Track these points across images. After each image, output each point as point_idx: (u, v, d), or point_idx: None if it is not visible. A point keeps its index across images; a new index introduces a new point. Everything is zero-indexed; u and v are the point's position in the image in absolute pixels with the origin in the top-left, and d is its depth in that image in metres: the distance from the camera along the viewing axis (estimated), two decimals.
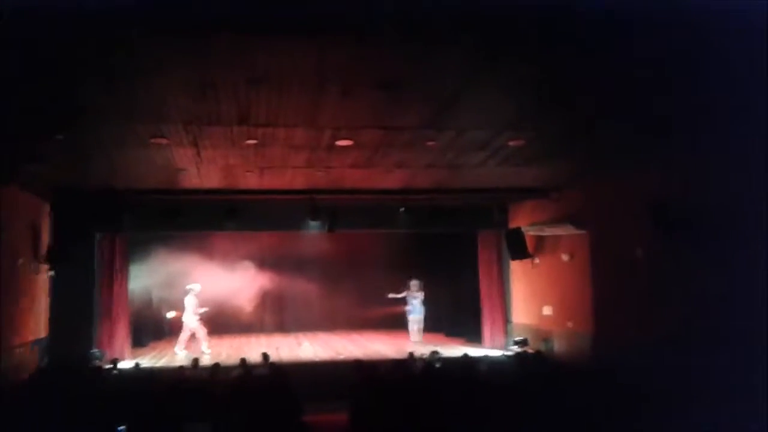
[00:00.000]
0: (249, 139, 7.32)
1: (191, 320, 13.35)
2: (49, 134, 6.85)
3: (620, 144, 8.03)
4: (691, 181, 7.92)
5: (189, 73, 5.17)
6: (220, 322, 16.75)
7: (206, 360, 12.34)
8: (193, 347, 13.22)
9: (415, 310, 14.99)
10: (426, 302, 16.75)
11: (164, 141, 7.26)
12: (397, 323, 17.27)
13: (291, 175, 9.77)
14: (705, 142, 7.33)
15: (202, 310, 13.46)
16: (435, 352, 10.69)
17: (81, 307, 11.71)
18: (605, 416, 6.27)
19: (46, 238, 11.24)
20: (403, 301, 15.26)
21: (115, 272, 12.72)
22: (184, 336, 13.35)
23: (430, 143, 7.65)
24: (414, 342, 14.40)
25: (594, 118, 6.91)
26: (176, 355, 12.91)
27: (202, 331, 13.48)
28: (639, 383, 7.72)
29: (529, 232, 12.42)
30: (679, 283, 8.12)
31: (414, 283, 15.06)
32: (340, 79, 5.40)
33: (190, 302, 13.41)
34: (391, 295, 15.12)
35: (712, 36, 4.43)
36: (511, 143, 7.66)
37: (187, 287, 13.66)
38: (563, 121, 7.03)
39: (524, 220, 12.92)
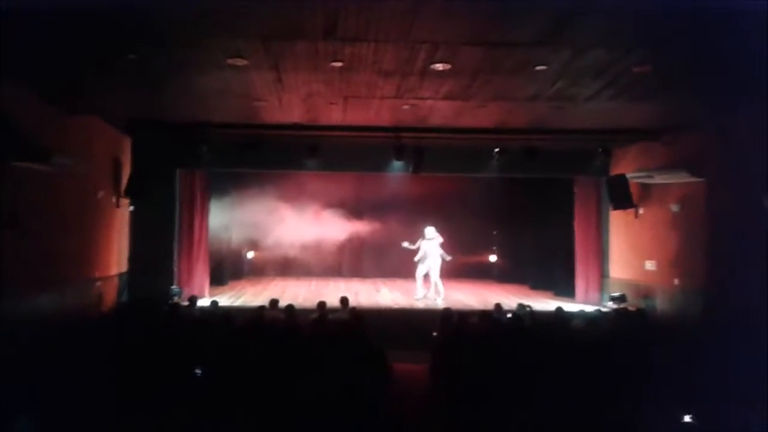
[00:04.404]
0: (334, 60, 6.58)
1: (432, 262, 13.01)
2: (121, 53, 6.33)
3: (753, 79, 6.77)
4: None
5: None
6: (298, 265, 16.62)
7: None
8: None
9: (432, 258, 13.07)
10: (508, 252, 15.77)
11: (242, 62, 6.60)
12: (481, 272, 16.63)
13: (376, 108, 9.06)
14: None
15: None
16: (523, 305, 9.94)
17: (161, 243, 11.66)
18: (720, 379, 5.41)
19: (127, 172, 11.04)
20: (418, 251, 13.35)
21: (195, 209, 12.51)
22: (435, 279, 13.06)
23: (540, 68, 6.69)
24: (434, 297, 13.00)
25: (734, 46, 5.75)
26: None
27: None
28: (758, 348, 6.73)
29: (634, 180, 11.30)
30: None
31: (429, 230, 13.24)
32: None
33: (434, 245, 13.01)
34: (405, 245, 13.32)
35: None
36: (636, 69, 6.59)
37: (426, 231, 13.16)
38: (699, 46, 5.90)
39: (628, 167, 11.77)
